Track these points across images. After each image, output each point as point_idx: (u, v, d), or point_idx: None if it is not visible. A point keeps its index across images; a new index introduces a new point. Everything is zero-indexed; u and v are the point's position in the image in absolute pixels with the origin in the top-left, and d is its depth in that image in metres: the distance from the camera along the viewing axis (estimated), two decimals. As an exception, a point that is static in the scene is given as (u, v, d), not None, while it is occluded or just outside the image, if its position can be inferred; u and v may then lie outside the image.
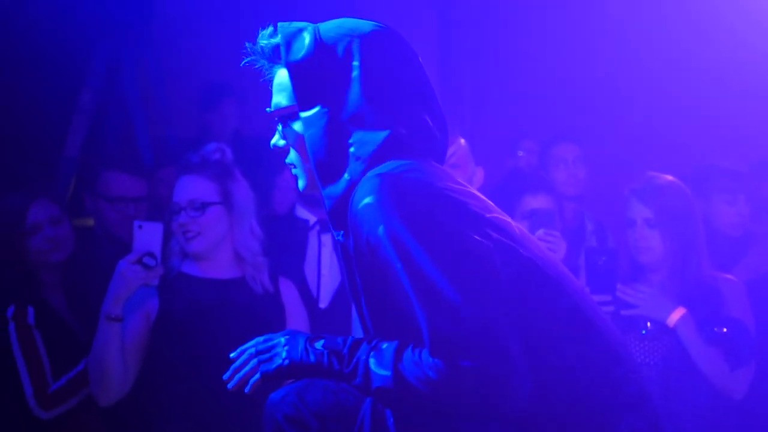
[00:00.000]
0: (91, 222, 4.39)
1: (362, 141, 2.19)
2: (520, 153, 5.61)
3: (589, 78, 6.33)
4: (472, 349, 1.95)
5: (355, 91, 2.20)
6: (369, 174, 2.12)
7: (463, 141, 4.18)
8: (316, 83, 2.20)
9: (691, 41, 6.02)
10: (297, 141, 2.27)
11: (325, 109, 2.19)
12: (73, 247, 3.86)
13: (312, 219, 4.39)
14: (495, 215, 2.17)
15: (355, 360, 2.15)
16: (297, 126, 2.26)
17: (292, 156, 2.31)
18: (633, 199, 3.87)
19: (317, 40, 2.23)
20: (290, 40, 2.24)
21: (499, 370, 1.95)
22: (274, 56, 2.27)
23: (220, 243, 3.61)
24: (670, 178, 3.92)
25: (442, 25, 6.93)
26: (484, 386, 1.95)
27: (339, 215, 2.20)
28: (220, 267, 3.64)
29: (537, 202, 4.12)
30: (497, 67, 6.69)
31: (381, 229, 2.03)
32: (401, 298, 2.05)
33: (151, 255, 3.40)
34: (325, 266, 4.31)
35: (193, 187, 3.56)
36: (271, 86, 2.33)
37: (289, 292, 3.75)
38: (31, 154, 5.16)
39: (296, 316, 3.71)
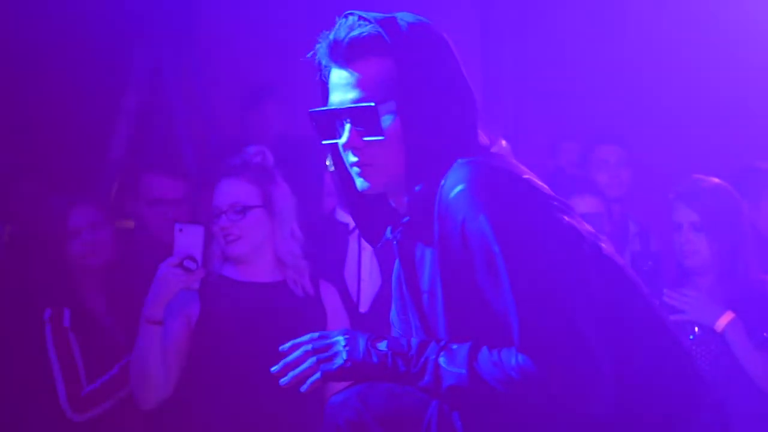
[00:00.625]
0: (132, 224, 4.40)
1: (447, 134, 2.15)
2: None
3: (632, 79, 6.27)
4: (562, 346, 1.91)
5: (446, 83, 2.16)
6: (458, 162, 2.07)
7: (504, 142, 4.14)
8: (419, 73, 2.13)
9: (737, 43, 5.93)
10: (391, 136, 2.16)
11: (425, 101, 2.13)
12: (113, 251, 3.86)
13: (352, 222, 4.37)
14: (574, 212, 2.14)
15: (423, 359, 2.09)
16: (387, 120, 2.15)
17: (371, 153, 2.17)
18: (679, 203, 3.81)
19: (414, 27, 2.17)
20: (392, 28, 2.15)
21: (587, 370, 1.91)
22: (366, 45, 2.15)
23: (261, 246, 3.60)
24: (716, 180, 3.86)
25: (483, 25, 6.89)
26: (570, 387, 1.91)
27: (419, 212, 2.15)
28: (261, 270, 3.63)
29: (585, 205, 4.07)
30: (539, 67, 6.64)
31: (479, 216, 1.97)
32: (490, 291, 1.99)
33: (191, 258, 3.39)
34: (365, 270, 4.29)
35: (234, 191, 3.55)
36: (330, 83, 2.22)
37: (330, 296, 3.73)
38: (75, 156, 5.19)
39: (338, 320, 3.68)
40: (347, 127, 2.18)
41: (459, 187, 2.02)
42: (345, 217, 4.38)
